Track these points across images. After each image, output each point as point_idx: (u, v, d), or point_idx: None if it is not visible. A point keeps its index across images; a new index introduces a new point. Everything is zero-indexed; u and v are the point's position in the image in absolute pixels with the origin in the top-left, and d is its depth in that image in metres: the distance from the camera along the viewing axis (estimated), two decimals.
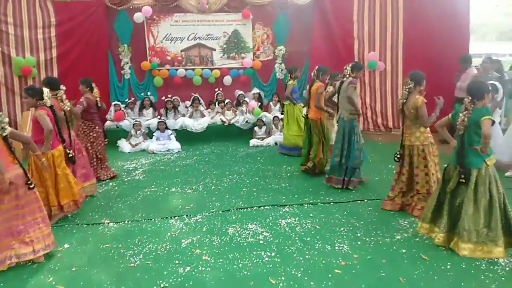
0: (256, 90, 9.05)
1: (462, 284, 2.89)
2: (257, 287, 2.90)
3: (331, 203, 4.62)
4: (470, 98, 3.29)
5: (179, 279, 3.05)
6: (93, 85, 5.73)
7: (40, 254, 3.38)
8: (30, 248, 3.34)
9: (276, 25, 9.16)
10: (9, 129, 3.30)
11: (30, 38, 8.18)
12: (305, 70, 9.28)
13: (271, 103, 8.96)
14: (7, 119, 3.29)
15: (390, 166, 5.79)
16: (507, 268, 3.09)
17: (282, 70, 9.27)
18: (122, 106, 8.68)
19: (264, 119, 8.32)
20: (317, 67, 5.91)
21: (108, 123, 8.34)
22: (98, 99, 5.72)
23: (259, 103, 8.65)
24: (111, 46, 8.92)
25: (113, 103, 8.67)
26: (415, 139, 4.12)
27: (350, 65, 5.20)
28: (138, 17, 8.65)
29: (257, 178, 5.70)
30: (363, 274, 3.06)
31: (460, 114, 3.34)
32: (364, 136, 5.69)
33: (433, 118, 3.97)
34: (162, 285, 2.97)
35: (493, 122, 3.31)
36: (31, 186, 3.33)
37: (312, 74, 6.08)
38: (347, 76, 5.11)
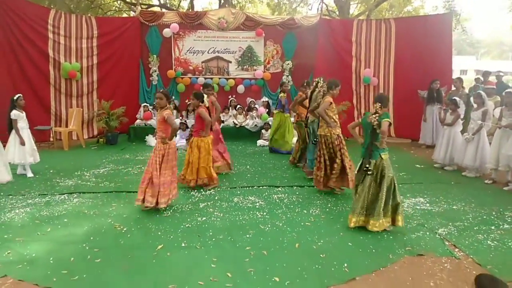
0: (265, 98, 10.43)
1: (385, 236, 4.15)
2: (251, 229, 4.22)
3: (315, 187, 5.91)
4: (379, 104, 4.09)
5: (198, 223, 4.41)
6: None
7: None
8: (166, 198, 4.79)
9: (285, 42, 10.59)
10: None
11: (76, 47, 9.70)
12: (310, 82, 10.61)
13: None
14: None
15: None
16: (413, 236, 4.20)
17: (289, 81, 10.63)
18: (150, 107, 10.16)
19: (270, 123, 9.66)
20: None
21: (138, 121, 9.84)
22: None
23: (267, 110, 10.01)
24: (142, 56, 10.46)
25: (142, 105, 10.16)
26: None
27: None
28: (166, 32, 10.18)
29: (259, 168, 7.04)
30: (324, 226, 4.37)
31: (372, 116, 4.08)
32: (352, 142, 6.17)
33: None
34: (186, 226, 4.33)
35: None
36: None
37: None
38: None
